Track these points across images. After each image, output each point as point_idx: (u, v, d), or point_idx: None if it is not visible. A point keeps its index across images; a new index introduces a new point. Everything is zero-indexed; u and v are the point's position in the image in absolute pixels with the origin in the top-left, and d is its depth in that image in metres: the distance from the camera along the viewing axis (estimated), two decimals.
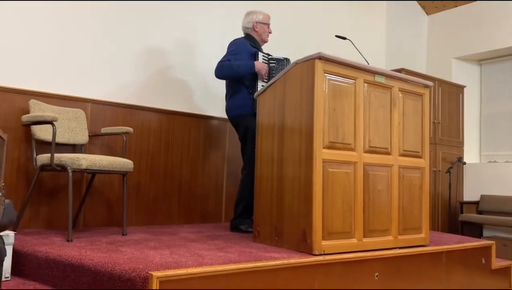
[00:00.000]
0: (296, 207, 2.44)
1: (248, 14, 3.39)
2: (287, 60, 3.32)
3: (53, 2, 3.13)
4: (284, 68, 3.21)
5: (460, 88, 5.59)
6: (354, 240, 2.50)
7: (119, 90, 3.42)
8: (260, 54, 3.23)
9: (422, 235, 2.88)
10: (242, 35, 3.42)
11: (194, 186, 3.76)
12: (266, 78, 3.19)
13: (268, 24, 3.39)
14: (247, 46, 3.25)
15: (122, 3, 3.45)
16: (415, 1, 6.16)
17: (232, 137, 3.91)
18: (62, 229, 2.99)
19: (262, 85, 3.14)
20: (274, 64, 3.25)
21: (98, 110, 3.29)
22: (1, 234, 2.01)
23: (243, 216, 3.19)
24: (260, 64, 3.16)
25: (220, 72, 3.16)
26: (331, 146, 2.45)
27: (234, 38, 3.32)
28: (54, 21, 3.13)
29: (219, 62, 3.17)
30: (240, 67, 3.11)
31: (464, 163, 5.45)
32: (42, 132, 2.86)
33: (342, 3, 5.09)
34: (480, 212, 5.32)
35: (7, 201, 1.70)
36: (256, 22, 3.34)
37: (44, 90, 3.06)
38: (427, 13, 6.29)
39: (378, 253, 2.52)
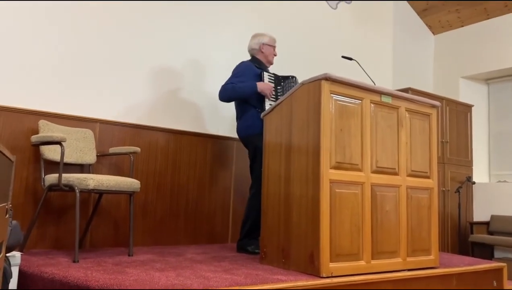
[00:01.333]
0: (304, 228, 2.42)
1: (255, 36, 3.44)
2: (293, 78, 3.34)
3: (62, 24, 3.19)
4: (292, 86, 3.25)
5: (468, 107, 5.57)
6: (362, 262, 2.47)
7: (127, 110, 3.45)
8: (266, 74, 3.26)
9: (432, 256, 2.84)
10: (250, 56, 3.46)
11: (201, 206, 3.75)
12: (273, 96, 3.21)
13: (274, 46, 3.44)
14: (251, 68, 3.28)
15: (130, 24, 3.50)
16: (422, 21, 6.19)
17: (239, 156, 3.91)
18: (69, 249, 2.99)
19: (270, 104, 3.16)
20: (281, 82, 3.27)
21: (106, 130, 3.32)
22: (8, 255, 2.01)
23: (249, 236, 3.17)
24: (262, 84, 3.17)
25: (223, 95, 3.21)
26: (338, 166, 2.44)
27: (241, 61, 3.35)
28: (63, 42, 3.19)
29: (222, 86, 3.21)
30: (243, 89, 3.15)
31: (474, 183, 5.39)
32: (51, 152, 2.88)
33: (349, 24, 5.14)
34: (491, 233, 5.23)
35: (14, 222, 1.71)
36: (263, 44, 3.39)
37: (54, 110, 3.10)
38: (434, 33, 6.32)
39: (387, 276, 2.48)
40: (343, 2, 5.08)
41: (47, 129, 2.93)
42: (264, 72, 3.26)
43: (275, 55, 3.46)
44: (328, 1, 4.93)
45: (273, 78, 3.28)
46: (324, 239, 2.32)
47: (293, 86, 3.25)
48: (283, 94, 3.20)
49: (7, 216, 1.45)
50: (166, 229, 3.55)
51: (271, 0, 4.42)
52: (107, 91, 3.36)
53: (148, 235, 3.45)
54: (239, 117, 3.32)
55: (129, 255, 2.80)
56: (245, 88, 3.15)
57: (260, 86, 3.15)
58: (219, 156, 3.90)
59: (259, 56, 3.41)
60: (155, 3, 3.65)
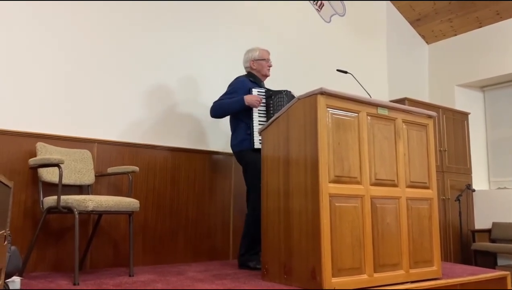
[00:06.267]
0: (304, 244, 2.41)
1: (246, 53, 3.47)
2: (286, 92, 3.33)
3: (57, 46, 3.21)
4: (283, 100, 3.25)
5: (464, 115, 5.59)
6: (364, 276, 2.45)
7: (125, 129, 3.45)
8: (255, 90, 3.26)
9: (434, 267, 2.82)
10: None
11: (201, 222, 3.73)
12: (264, 111, 3.22)
13: (265, 59, 3.42)
14: (244, 83, 3.31)
15: (125, 43, 3.53)
16: (415, 31, 6.25)
17: (237, 171, 3.90)
18: (68, 271, 2.97)
19: (260, 121, 3.18)
20: (272, 97, 3.27)
21: (104, 150, 3.32)
22: (7, 280, 1.99)
23: (250, 252, 3.15)
24: (249, 96, 3.18)
25: (213, 111, 3.29)
26: (337, 180, 2.44)
27: (236, 76, 3.37)
28: (58, 64, 3.21)
29: (214, 102, 3.27)
30: (231, 104, 3.21)
31: (473, 190, 5.39)
32: (49, 175, 2.87)
33: (342, 37, 5.18)
34: (493, 240, 5.21)
35: (12, 248, 1.70)
36: (253, 60, 3.41)
37: (51, 132, 3.10)
38: (427, 42, 6.38)
39: (390, 288, 2.46)
40: (336, 15, 5.13)
41: (44, 152, 2.93)
42: (253, 88, 3.27)
43: (269, 67, 3.45)
44: (322, 15, 4.98)
45: (263, 93, 3.29)
46: (325, 254, 2.30)
47: (285, 100, 3.26)
48: (274, 109, 3.22)
49: (5, 243, 1.44)
50: (167, 247, 3.53)
51: (265, 14, 4.46)
52: (104, 110, 3.37)
53: (149, 254, 3.42)
54: (232, 132, 3.36)
55: (130, 276, 2.78)
56: (233, 104, 3.20)
57: (247, 99, 3.17)
58: (218, 172, 3.90)
59: (253, 72, 3.43)
60: (148, 20, 3.67)
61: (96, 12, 3.40)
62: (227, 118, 3.41)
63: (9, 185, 1.44)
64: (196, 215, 3.71)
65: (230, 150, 3.40)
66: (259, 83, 3.38)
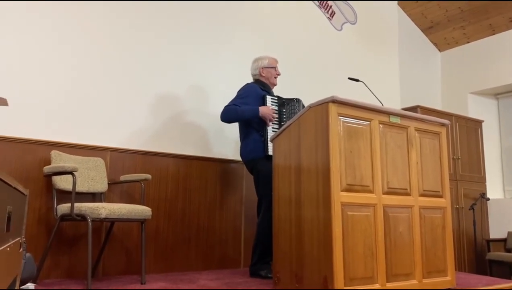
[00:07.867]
0: (316, 252, 2.40)
1: (254, 61, 3.48)
2: (298, 100, 3.35)
3: (71, 55, 3.26)
4: (296, 108, 3.27)
5: (478, 123, 5.53)
6: (377, 285, 2.43)
7: (137, 138, 3.48)
8: (269, 97, 3.27)
9: (448, 277, 2.78)
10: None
11: (212, 231, 3.74)
12: (277, 119, 3.23)
13: (274, 68, 3.44)
14: (256, 89, 3.31)
15: (135, 52, 3.57)
16: (427, 38, 6.22)
17: (248, 179, 3.91)
18: (81, 278, 2.99)
19: (273, 128, 3.18)
20: (285, 105, 3.28)
21: (117, 158, 3.35)
22: (22, 287, 2.02)
23: (262, 261, 3.14)
24: (265, 109, 3.18)
25: (225, 116, 3.21)
26: (349, 188, 2.43)
27: (246, 82, 3.39)
28: (72, 73, 3.26)
29: (225, 106, 3.23)
30: (245, 112, 3.17)
31: (488, 199, 5.31)
32: (63, 182, 2.91)
33: (354, 45, 5.18)
34: (508, 250, 5.12)
35: (27, 255, 1.72)
36: (262, 68, 3.41)
37: (65, 140, 3.15)
38: (440, 50, 6.35)
39: None
40: (348, 23, 5.14)
41: (59, 160, 2.97)
42: (267, 96, 3.28)
43: (278, 75, 3.46)
44: (333, 23, 4.99)
45: (276, 101, 3.30)
46: (337, 263, 2.29)
47: (297, 108, 3.28)
48: (287, 117, 3.23)
49: (21, 250, 1.46)
50: (178, 255, 3.54)
51: (275, 22, 4.48)
52: (117, 119, 3.41)
53: (160, 262, 3.44)
54: (242, 139, 3.35)
55: (141, 283, 2.79)
56: (247, 112, 3.17)
57: (262, 110, 3.17)
58: (229, 180, 3.91)
59: (262, 79, 3.43)
60: (156, 29, 3.72)
61: (110, 23, 3.46)
62: (236, 125, 3.42)
63: (25, 193, 1.47)
64: (207, 223, 3.72)
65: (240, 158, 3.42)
66: (268, 91, 3.39)
